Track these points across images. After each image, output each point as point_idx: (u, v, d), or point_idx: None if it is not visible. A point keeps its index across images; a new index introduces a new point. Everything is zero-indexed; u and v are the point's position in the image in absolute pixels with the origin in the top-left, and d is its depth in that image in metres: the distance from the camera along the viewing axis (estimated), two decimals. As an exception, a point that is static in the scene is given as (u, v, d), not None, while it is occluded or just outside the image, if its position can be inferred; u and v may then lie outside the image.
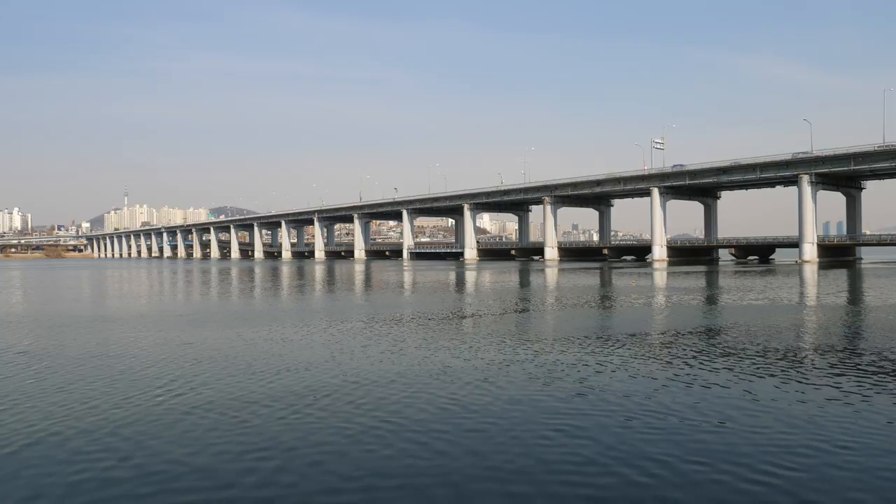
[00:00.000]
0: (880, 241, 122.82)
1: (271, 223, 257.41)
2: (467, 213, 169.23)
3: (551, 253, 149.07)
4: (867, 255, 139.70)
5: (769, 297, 40.85)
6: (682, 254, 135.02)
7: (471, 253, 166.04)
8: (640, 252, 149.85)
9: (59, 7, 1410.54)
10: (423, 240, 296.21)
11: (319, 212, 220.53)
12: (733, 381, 15.42)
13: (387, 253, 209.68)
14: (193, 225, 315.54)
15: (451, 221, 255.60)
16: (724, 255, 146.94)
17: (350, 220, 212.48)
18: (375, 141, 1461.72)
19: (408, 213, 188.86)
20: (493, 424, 11.73)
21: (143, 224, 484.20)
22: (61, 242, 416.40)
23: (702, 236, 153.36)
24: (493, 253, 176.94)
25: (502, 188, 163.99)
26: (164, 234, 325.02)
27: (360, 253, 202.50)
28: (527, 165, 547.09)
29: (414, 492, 8.83)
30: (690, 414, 12.46)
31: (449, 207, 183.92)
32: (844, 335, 23.70)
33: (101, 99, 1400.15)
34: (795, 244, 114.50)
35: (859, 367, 17.03)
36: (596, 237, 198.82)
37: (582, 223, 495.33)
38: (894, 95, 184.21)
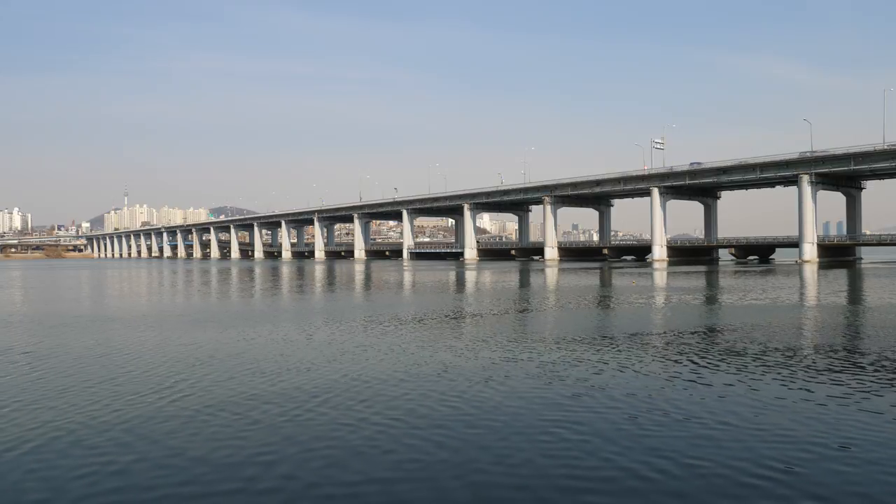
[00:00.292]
0: (880, 241, 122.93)
1: (271, 223, 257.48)
2: (467, 213, 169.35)
3: (551, 253, 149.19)
4: (867, 255, 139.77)
5: (769, 297, 40.95)
6: (682, 254, 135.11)
7: (471, 253, 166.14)
8: (640, 252, 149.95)
9: (58, 7, 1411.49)
10: (423, 240, 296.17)
11: (319, 212, 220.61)
12: (735, 379, 15.53)
13: (387, 253, 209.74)
14: (193, 225, 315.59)
15: (451, 221, 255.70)
16: (724, 255, 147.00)
17: (350, 220, 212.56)
18: (375, 141, 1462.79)
19: (408, 213, 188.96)
20: (495, 425, 11.83)
21: (143, 224, 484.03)
22: (61, 242, 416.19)
23: (702, 236, 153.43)
24: (493, 253, 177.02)
25: (502, 188, 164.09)
26: (164, 234, 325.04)
27: (360, 253, 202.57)
28: (527, 165, 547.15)
29: (429, 486, 8.99)
30: (693, 411, 12.58)
31: (449, 207, 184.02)
32: (845, 335, 23.83)
33: (101, 99, 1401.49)
34: (795, 244, 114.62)
35: (860, 366, 17.15)
36: (596, 237, 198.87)
37: (582, 223, 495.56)
38: (894, 95, 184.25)
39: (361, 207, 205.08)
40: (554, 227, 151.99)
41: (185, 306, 39.14)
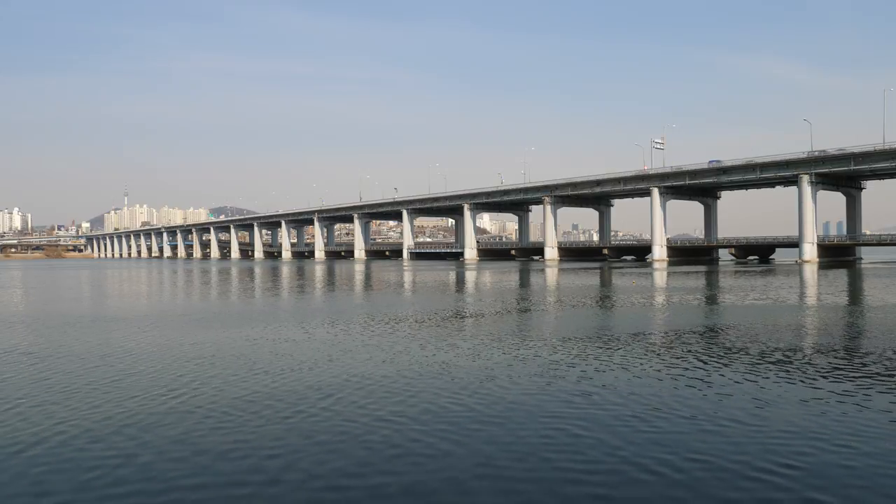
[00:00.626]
0: (880, 241, 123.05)
1: (271, 223, 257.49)
2: (467, 213, 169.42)
3: (551, 253, 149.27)
4: (867, 255, 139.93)
5: (770, 296, 41.07)
6: (682, 254, 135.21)
7: (471, 253, 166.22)
8: (640, 252, 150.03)
9: (58, 7, 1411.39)
10: (423, 240, 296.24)
11: (319, 212, 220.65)
12: (736, 380, 15.67)
13: (387, 253, 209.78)
14: (193, 225, 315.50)
15: (451, 221, 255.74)
16: (724, 255, 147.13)
17: (350, 220, 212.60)
18: (375, 141, 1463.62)
19: (408, 213, 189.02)
20: (497, 423, 11.94)
21: (143, 224, 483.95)
22: (61, 242, 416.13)
23: (702, 236, 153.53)
24: (493, 253, 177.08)
25: (502, 188, 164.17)
26: (164, 234, 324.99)
27: (360, 253, 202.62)
28: (527, 165, 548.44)
29: (420, 490, 8.95)
30: (694, 412, 12.71)
31: (449, 207, 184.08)
32: (845, 335, 23.96)
33: (101, 99, 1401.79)
34: (795, 244, 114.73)
35: (861, 366, 17.29)
36: (596, 237, 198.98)
37: (582, 223, 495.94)
38: (894, 95, 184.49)
39: (361, 207, 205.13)
40: (554, 227, 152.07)
41: (185, 306, 39.25)
